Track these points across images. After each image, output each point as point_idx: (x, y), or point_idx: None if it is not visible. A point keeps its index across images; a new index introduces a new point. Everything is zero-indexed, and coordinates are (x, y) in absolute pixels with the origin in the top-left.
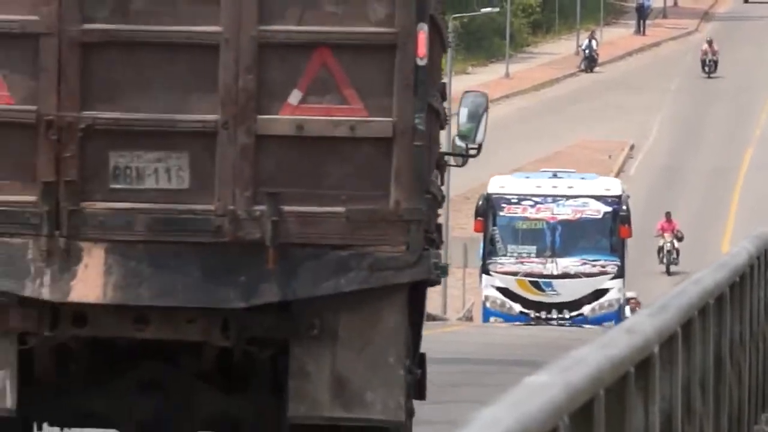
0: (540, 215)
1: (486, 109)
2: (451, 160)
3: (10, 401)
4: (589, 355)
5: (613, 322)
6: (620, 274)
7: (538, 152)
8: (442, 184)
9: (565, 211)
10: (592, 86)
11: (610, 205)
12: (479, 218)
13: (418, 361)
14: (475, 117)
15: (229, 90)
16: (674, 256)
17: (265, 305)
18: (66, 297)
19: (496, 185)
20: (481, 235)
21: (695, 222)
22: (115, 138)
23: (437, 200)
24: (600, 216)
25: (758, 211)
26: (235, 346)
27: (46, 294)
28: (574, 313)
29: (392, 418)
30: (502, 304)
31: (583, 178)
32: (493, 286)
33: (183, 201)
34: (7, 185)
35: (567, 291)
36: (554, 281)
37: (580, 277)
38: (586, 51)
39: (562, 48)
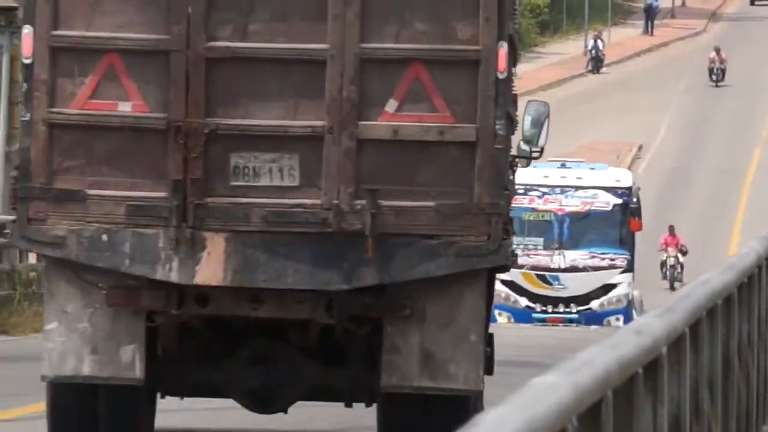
0: (548, 206)
1: (547, 116)
2: (516, 161)
3: (138, 372)
4: (597, 356)
5: (621, 317)
6: (630, 268)
7: (545, 153)
8: (513, 182)
9: (574, 203)
10: (600, 87)
11: (620, 197)
12: None
13: (488, 340)
14: (538, 123)
15: (335, 99)
16: (678, 270)
17: (364, 288)
18: (191, 280)
19: None
20: None
21: (703, 222)
22: (235, 141)
23: (511, 196)
24: (609, 208)
25: (766, 212)
26: (337, 323)
27: (174, 277)
28: (581, 308)
29: (472, 387)
30: (507, 298)
31: (592, 169)
32: (498, 279)
33: (293, 196)
34: (141, 183)
35: (574, 285)
36: (561, 275)
37: (588, 270)
38: (593, 51)
39: (570, 48)
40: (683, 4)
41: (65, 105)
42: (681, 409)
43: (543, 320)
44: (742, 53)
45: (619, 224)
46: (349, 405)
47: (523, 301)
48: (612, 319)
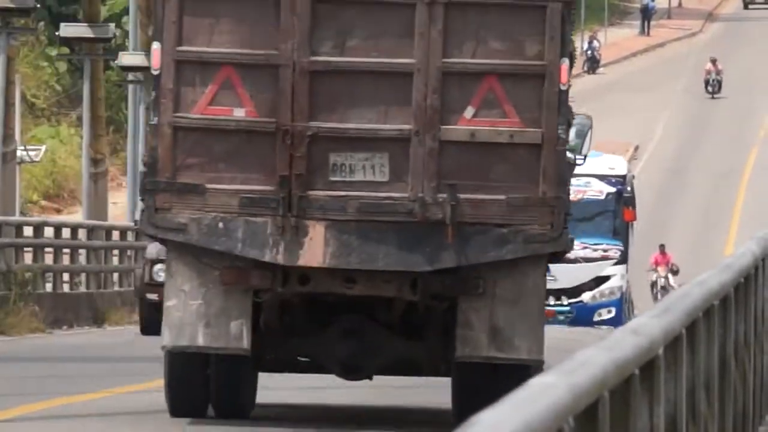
0: None
1: (590, 128)
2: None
3: (246, 343)
4: (593, 357)
5: (614, 309)
6: (623, 259)
7: None
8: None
9: None
10: (596, 87)
11: (613, 186)
12: None
13: None
14: (581, 134)
15: (420, 106)
16: (668, 293)
17: (444, 269)
18: (295, 262)
19: None
20: None
21: (699, 223)
22: (334, 142)
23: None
24: (603, 197)
25: (763, 212)
26: (419, 301)
27: (279, 260)
28: (573, 300)
29: (534, 357)
30: None
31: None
32: None
33: (384, 190)
34: (252, 178)
35: (566, 277)
36: (552, 266)
37: (579, 262)
38: (589, 52)
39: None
40: (679, 4)
41: (188, 110)
42: (677, 410)
43: None
44: (738, 54)
45: (612, 214)
46: (426, 375)
47: None
48: (604, 311)
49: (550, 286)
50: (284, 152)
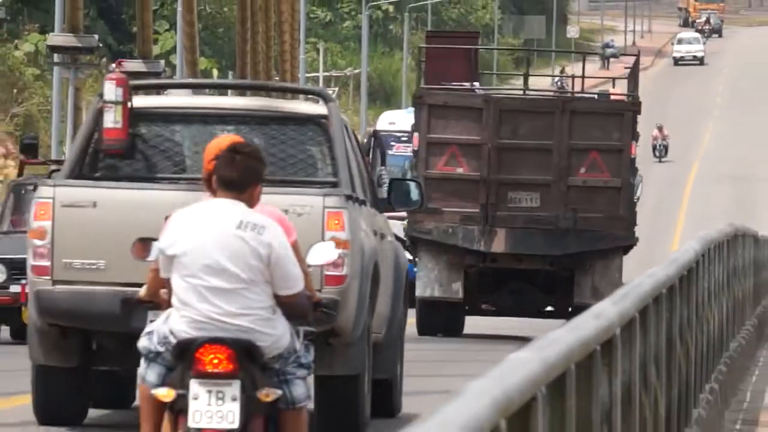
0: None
1: (641, 179)
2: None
3: (460, 294)
4: (562, 336)
5: None
6: None
7: None
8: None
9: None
10: None
11: None
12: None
13: None
14: (638, 183)
15: (556, 166)
16: None
17: (568, 254)
18: (489, 249)
19: (385, 121)
20: None
21: (650, 226)
22: (511, 186)
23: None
24: None
25: (703, 217)
26: (555, 272)
27: (481, 248)
28: None
29: None
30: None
31: None
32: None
33: (536, 212)
34: (467, 205)
35: None
36: None
37: None
38: (558, 83)
39: (541, 80)
40: (633, 43)
41: (433, 168)
42: (632, 380)
43: None
44: (679, 85)
45: None
46: (555, 318)
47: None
48: None
49: None
50: (483, 191)
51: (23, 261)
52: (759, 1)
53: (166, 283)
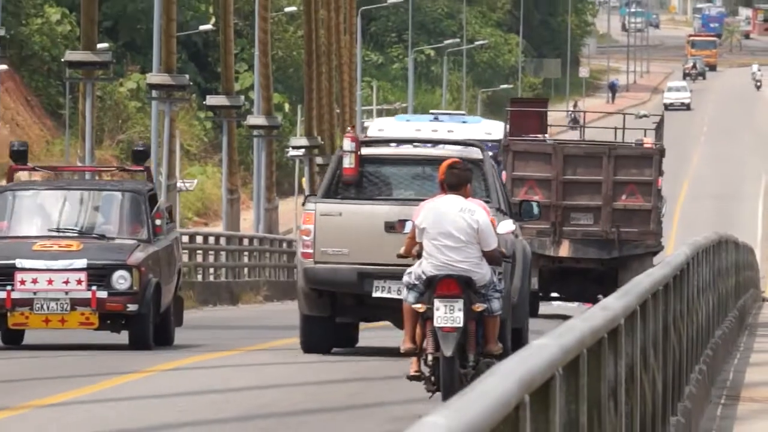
0: None
1: (666, 203)
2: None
3: (536, 286)
4: (576, 325)
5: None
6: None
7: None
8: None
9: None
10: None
11: (490, 150)
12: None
13: None
14: (663, 205)
15: (604, 195)
16: None
17: (613, 258)
18: (557, 254)
19: (375, 128)
20: None
21: None
22: (573, 209)
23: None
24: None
25: (692, 227)
26: (603, 271)
27: (551, 253)
28: None
29: None
30: None
31: (464, 122)
32: None
33: (591, 227)
34: (542, 223)
35: None
36: None
37: None
38: (572, 114)
39: (557, 113)
40: (635, 82)
41: (516, 197)
42: (634, 362)
43: None
44: (672, 116)
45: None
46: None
47: None
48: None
49: None
50: (553, 213)
51: (6, 267)
52: (739, 46)
53: (418, 245)
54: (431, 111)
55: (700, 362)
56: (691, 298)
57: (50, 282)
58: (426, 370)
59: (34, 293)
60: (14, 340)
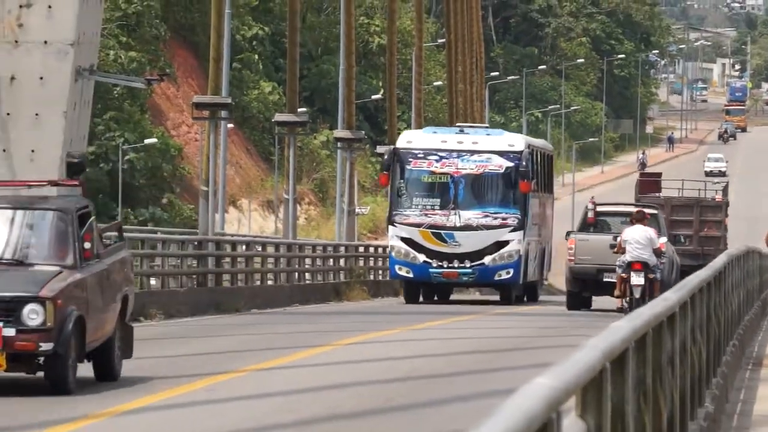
0: (445, 169)
1: (727, 232)
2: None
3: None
4: (644, 312)
5: (512, 270)
6: (520, 226)
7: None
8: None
9: (469, 166)
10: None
11: (512, 161)
12: (385, 172)
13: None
14: (726, 234)
15: (695, 228)
16: None
17: (700, 264)
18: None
19: (404, 140)
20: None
21: None
22: (677, 237)
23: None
24: (502, 171)
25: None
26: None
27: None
28: (475, 263)
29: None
30: (407, 254)
31: (488, 134)
32: (398, 236)
33: (688, 246)
34: None
35: (468, 242)
36: (456, 233)
37: (481, 229)
38: (641, 159)
39: (629, 158)
40: (686, 136)
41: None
42: (686, 339)
43: (439, 274)
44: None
45: (511, 186)
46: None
47: (421, 257)
48: (503, 272)
49: (454, 250)
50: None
51: None
52: (762, 111)
53: (623, 248)
54: (457, 124)
55: (733, 338)
56: (727, 292)
57: None
58: (625, 305)
59: None
60: None
